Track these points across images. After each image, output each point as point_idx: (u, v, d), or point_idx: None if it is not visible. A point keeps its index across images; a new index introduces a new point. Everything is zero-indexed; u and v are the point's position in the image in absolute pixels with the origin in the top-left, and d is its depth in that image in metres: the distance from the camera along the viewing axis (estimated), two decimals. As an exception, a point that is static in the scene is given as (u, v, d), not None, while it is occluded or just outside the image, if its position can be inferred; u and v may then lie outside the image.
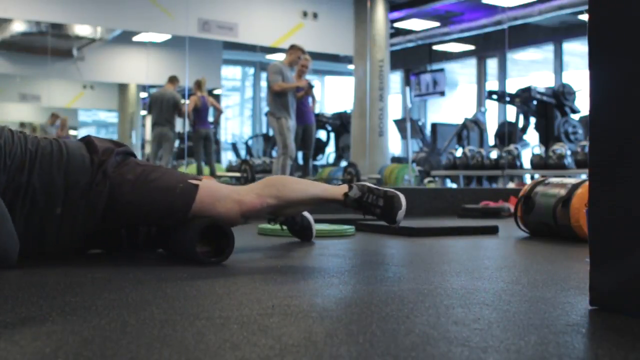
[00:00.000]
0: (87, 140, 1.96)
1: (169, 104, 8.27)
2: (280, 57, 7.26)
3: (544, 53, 14.17)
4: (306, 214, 2.56)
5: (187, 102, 8.81)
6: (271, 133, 9.75)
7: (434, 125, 12.57)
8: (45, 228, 1.83)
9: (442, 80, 13.55)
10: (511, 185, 8.72)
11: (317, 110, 11.03)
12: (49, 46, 11.13)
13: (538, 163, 8.85)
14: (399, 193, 2.15)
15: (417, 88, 13.81)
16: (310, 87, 7.20)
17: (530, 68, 15.21)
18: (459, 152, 10.29)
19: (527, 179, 9.38)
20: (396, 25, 13.07)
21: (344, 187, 2.16)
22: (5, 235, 1.66)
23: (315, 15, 10.67)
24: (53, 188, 1.82)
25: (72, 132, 12.76)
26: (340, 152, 12.20)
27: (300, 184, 2.09)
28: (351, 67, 11.82)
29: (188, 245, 1.85)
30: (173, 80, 8.53)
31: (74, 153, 1.88)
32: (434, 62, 15.14)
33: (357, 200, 2.13)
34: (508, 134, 10.27)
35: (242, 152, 13.64)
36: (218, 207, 1.91)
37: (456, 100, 15.52)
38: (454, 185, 10.35)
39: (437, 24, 13.42)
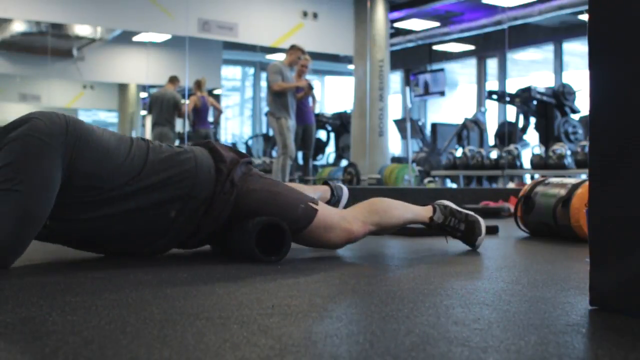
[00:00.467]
0: (212, 147, 2.00)
1: (169, 104, 8.27)
2: (280, 57, 7.27)
3: (544, 53, 14.17)
4: None
5: (187, 102, 8.82)
6: (271, 133, 9.75)
7: (434, 125, 12.57)
8: (157, 229, 1.86)
9: (442, 80, 13.56)
10: (511, 185, 8.72)
11: (317, 110, 11.03)
12: (49, 46, 11.13)
13: (538, 163, 8.86)
14: (479, 218, 2.28)
15: (415, 89, 13.82)
16: (310, 87, 7.20)
17: (530, 68, 15.22)
18: (459, 152, 10.29)
19: (527, 179, 9.38)
20: (396, 25, 13.08)
21: (429, 210, 2.25)
22: (23, 236, 1.65)
23: (315, 15, 10.67)
24: (178, 193, 1.85)
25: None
26: (340, 152, 12.21)
27: (399, 210, 2.17)
28: (351, 67, 11.83)
29: (247, 244, 1.86)
30: (173, 80, 8.53)
31: (202, 165, 1.91)
32: (434, 62, 15.14)
33: (441, 224, 2.25)
34: (508, 134, 10.28)
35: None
36: (329, 234, 2.00)
37: (456, 100, 15.52)
38: (454, 185, 10.36)
39: (437, 24, 13.43)
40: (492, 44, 13.36)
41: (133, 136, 1.92)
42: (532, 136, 10.51)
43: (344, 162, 11.67)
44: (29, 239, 1.66)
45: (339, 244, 2.05)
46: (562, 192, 2.80)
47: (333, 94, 16.12)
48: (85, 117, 15.09)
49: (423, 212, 2.25)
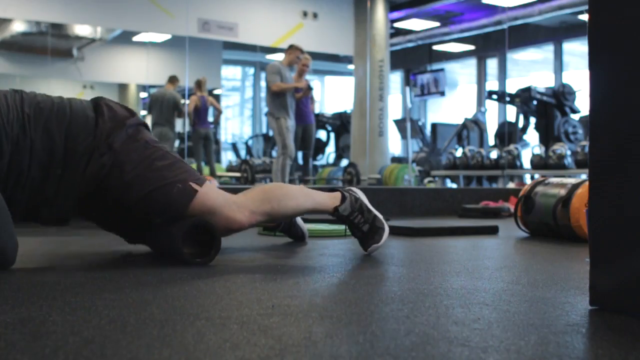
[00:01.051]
0: (96, 101, 1.88)
1: (169, 104, 8.27)
2: (280, 57, 7.27)
3: (544, 53, 14.17)
4: (300, 222, 2.57)
5: (187, 102, 8.82)
6: (271, 133, 9.75)
7: (434, 125, 12.58)
8: (45, 189, 1.77)
9: (443, 81, 13.56)
10: (511, 185, 8.72)
11: (316, 110, 11.03)
12: (49, 46, 11.12)
13: (538, 163, 8.86)
14: (386, 227, 2.11)
15: (413, 89, 13.83)
16: (309, 88, 7.20)
17: (530, 68, 15.22)
18: (459, 152, 10.29)
19: (527, 179, 9.38)
20: (396, 25, 13.08)
21: (337, 199, 2.09)
22: (5, 235, 1.65)
23: (315, 15, 10.67)
24: (54, 147, 1.75)
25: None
26: (340, 152, 12.21)
27: (297, 199, 2.01)
28: (351, 67, 11.83)
29: (174, 245, 1.82)
30: (173, 80, 8.53)
31: (77, 113, 1.80)
32: (434, 62, 15.14)
33: (346, 217, 2.09)
34: (508, 134, 10.28)
35: (242, 152, 13.64)
36: (209, 220, 1.85)
37: (456, 100, 15.52)
38: (454, 185, 10.35)
39: (437, 24, 13.43)
40: (492, 44, 13.37)
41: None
42: (532, 136, 10.52)
43: (344, 162, 11.67)
44: None
45: (223, 227, 1.87)
46: (562, 192, 2.80)
47: (333, 94, 16.12)
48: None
49: (328, 201, 2.07)
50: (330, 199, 2.08)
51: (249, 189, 2.06)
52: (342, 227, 2.91)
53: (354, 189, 2.20)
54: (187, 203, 1.83)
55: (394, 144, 13.28)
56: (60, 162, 1.77)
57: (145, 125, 1.94)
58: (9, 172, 1.71)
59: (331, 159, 12.67)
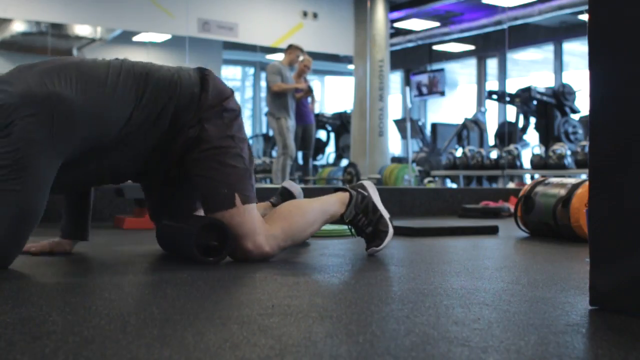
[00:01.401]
0: (203, 73, 1.94)
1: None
2: (280, 57, 7.27)
3: (544, 53, 14.17)
4: None
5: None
6: (271, 133, 9.75)
7: (434, 125, 12.58)
8: (144, 158, 1.87)
9: (442, 82, 13.56)
10: (511, 185, 8.72)
11: (317, 110, 11.03)
12: (49, 46, 11.11)
13: (538, 163, 8.85)
14: (390, 230, 2.10)
15: (415, 90, 13.84)
16: (310, 89, 7.19)
17: (530, 68, 15.22)
18: (459, 152, 10.29)
19: (527, 179, 9.38)
20: (396, 25, 13.07)
21: (344, 203, 2.08)
22: (14, 249, 1.66)
23: (315, 15, 10.67)
24: (162, 121, 1.83)
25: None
26: (340, 152, 12.20)
27: (315, 224, 2.02)
28: (351, 67, 11.82)
29: (186, 244, 1.83)
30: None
31: (185, 89, 1.86)
32: (434, 62, 15.14)
33: (350, 221, 2.10)
34: (508, 134, 10.28)
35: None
36: (237, 240, 1.85)
37: (456, 100, 15.52)
38: (454, 185, 10.35)
39: (437, 24, 13.42)
40: (492, 44, 13.37)
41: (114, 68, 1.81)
42: (532, 136, 10.51)
43: (344, 162, 11.66)
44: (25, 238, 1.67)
45: (245, 254, 1.87)
46: (562, 192, 2.80)
47: (333, 94, 16.12)
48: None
49: (337, 209, 2.07)
50: (339, 205, 2.08)
51: (272, 212, 2.03)
52: (344, 227, 2.91)
53: (366, 183, 2.18)
54: (218, 209, 1.85)
55: (394, 144, 13.27)
56: (163, 134, 1.85)
57: (237, 111, 1.98)
58: (124, 137, 1.78)
59: (331, 159, 12.67)
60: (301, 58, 6.93)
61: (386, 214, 2.13)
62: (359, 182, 2.20)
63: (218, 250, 1.84)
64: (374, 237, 2.10)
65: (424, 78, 14.06)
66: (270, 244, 1.89)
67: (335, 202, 2.09)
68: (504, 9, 11.57)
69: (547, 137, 9.63)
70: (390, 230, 2.12)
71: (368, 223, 2.09)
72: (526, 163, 9.39)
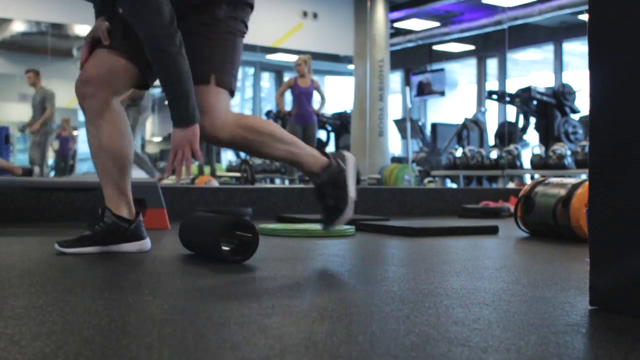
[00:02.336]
0: None
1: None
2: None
3: (544, 53, 14.17)
4: None
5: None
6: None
7: (434, 125, 12.58)
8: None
9: (442, 81, 13.56)
10: (511, 185, 8.72)
11: (323, 110, 11.04)
12: (49, 46, 11.12)
13: (538, 163, 8.86)
14: (347, 210, 2.04)
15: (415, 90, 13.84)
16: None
17: (530, 68, 15.22)
18: (459, 152, 10.29)
19: (527, 179, 9.38)
20: (396, 25, 13.08)
21: (314, 167, 2.05)
22: None
23: (315, 15, 10.68)
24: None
25: (73, 132, 12.76)
26: (341, 152, 12.19)
27: (275, 152, 2.01)
28: (351, 67, 11.83)
29: (212, 245, 1.83)
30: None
31: None
32: (434, 62, 15.14)
33: (318, 186, 2.05)
34: (508, 134, 10.28)
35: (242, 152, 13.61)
36: (202, 114, 1.90)
37: (456, 100, 15.52)
38: (454, 185, 10.35)
39: (437, 24, 13.43)
40: (492, 44, 13.37)
41: None
42: (532, 136, 10.51)
43: (344, 162, 11.65)
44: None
45: (202, 129, 1.89)
46: (562, 192, 2.80)
47: (333, 94, 16.12)
48: (85, 117, 15.07)
49: (306, 161, 2.04)
50: (312, 162, 2.05)
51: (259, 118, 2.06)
52: (344, 227, 2.91)
53: (347, 154, 2.13)
54: (199, 82, 1.89)
55: (394, 144, 13.27)
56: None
57: (250, 4, 2.03)
58: None
59: (331, 159, 12.66)
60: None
61: (353, 194, 2.06)
62: (341, 151, 2.15)
63: (243, 248, 1.84)
64: (331, 214, 2.05)
65: (422, 78, 14.06)
66: (227, 131, 1.93)
67: (309, 156, 2.05)
68: (504, 9, 11.58)
69: (547, 137, 9.63)
70: (348, 211, 2.05)
71: (334, 196, 2.04)
72: (526, 163, 9.40)
